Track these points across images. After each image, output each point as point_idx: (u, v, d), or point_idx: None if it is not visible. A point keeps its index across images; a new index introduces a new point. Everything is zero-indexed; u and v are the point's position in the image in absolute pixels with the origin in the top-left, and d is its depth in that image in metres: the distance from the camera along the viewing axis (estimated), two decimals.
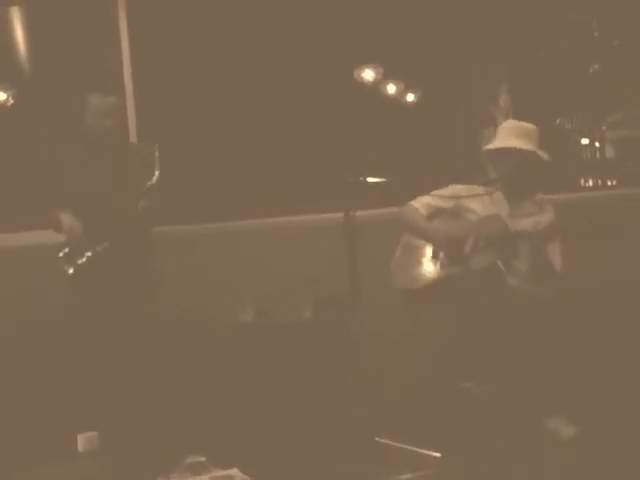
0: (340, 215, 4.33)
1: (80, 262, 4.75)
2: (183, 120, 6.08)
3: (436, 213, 4.79)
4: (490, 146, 4.77)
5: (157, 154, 4.77)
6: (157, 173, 4.76)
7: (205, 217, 5.75)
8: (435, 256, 4.71)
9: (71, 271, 4.77)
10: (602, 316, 5.11)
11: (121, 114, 4.96)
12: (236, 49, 6.57)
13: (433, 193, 4.76)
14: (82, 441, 4.62)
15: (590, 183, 7.85)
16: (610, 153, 7.97)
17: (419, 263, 4.73)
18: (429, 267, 4.69)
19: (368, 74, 7.22)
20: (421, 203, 4.81)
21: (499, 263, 4.47)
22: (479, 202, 4.69)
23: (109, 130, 4.89)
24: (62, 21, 6.11)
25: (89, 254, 4.74)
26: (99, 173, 4.88)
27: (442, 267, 4.64)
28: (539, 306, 4.35)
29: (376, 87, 7.29)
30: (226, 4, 6.49)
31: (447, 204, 4.77)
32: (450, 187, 4.77)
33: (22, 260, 5.41)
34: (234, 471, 3.95)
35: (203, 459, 4.07)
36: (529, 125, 4.77)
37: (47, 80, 6.14)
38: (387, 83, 7.33)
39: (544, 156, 4.63)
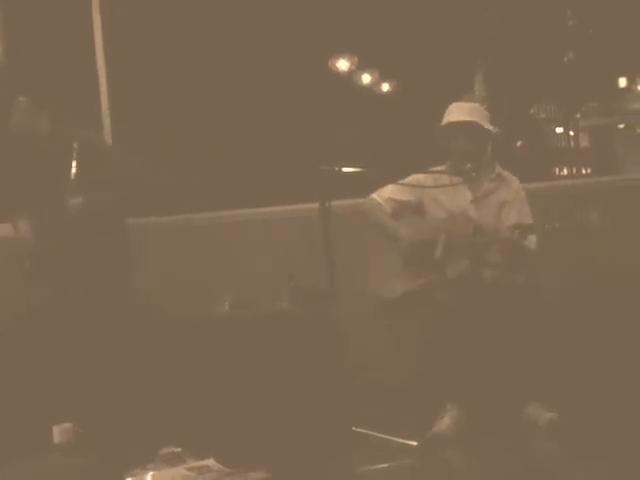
0: (315, 205, 4.32)
1: (35, 262, 4.76)
2: (156, 113, 6.05)
3: (400, 209, 4.78)
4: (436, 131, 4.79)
5: (75, 155, 4.74)
6: (73, 174, 4.73)
7: (181, 209, 5.73)
8: (407, 264, 4.68)
9: (29, 269, 4.79)
10: (580, 304, 5.13)
11: (33, 120, 4.92)
12: (210, 40, 6.55)
13: (395, 183, 4.76)
14: (57, 433, 4.60)
15: (565, 171, 7.90)
16: (584, 142, 8.01)
17: (392, 273, 4.70)
18: (402, 277, 4.67)
19: (343, 64, 7.22)
20: (384, 198, 4.80)
21: (472, 267, 4.49)
22: (443, 192, 4.70)
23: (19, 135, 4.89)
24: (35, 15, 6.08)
25: (42, 254, 4.75)
26: (31, 173, 4.88)
27: (416, 277, 4.63)
28: (516, 295, 4.37)
29: (351, 77, 7.30)
30: None
31: (410, 196, 4.77)
32: (412, 177, 4.78)
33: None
34: (210, 461, 3.95)
35: (179, 450, 4.06)
36: (471, 103, 4.83)
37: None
38: (362, 73, 7.34)
39: (488, 126, 4.66)
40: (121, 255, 4.97)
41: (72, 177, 4.72)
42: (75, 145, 4.73)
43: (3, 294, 5.09)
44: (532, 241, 4.52)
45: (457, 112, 4.73)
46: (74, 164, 4.71)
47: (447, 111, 4.79)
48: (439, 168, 4.76)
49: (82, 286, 4.78)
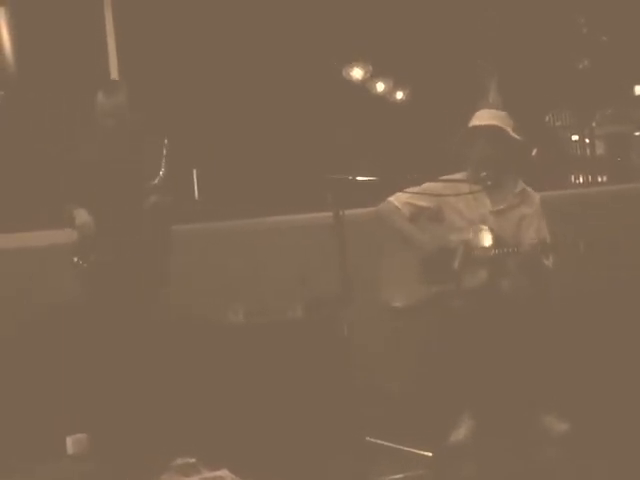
0: (329, 214, 4.31)
1: (92, 260, 4.74)
2: (172, 118, 6.05)
3: (418, 213, 4.74)
4: (459, 134, 4.77)
5: (165, 151, 4.73)
6: (162, 171, 4.72)
7: (193, 217, 5.72)
8: (424, 271, 4.65)
9: (84, 266, 4.76)
10: (595, 315, 5.11)
11: (125, 112, 4.90)
12: (225, 48, 6.56)
13: (411, 190, 4.73)
14: (71, 443, 4.61)
15: (580, 179, 7.87)
16: (600, 149, 7.99)
17: (408, 279, 4.67)
18: (419, 284, 4.64)
19: (357, 72, 7.22)
20: (401, 202, 4.74)
21: (490, 278, 4.46)
22: (463, 201, 4.66)
23: (112, 129, 4.86)
24: (49, 20, 6.09)
25: (101, 255, 4.73)
26: (110, 170, 4.86)
27: (432, 284, 4.60)
28: (532, 306, 4.34)
29: (365, 85, 7.29)
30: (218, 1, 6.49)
31: (429, 203, 4.72)
32: (430, 184, 4.72)
33: (24, 260, 5.41)
34: (224, 472, 3.94)
35: (193, 460, 4.06)
36: (496, 110, 4.80)
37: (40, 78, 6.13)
38: (376, 81, 7.34)
39: (512, 133, 4.62)
40: (167, 265, 4.96)
41: (161, 177, 4.72)
42: (165, 141, 4.74)
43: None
44: (550, 260, 4.49)
45: (480, 117, 4.72)
46: (163, 165, 4.73)
47: (471, 120, 4.78)
48: (458, 176, 4.72)
49: (126, 289, 4.77)
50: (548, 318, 4.33)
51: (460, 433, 4.37)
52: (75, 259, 4.75)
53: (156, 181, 4.71)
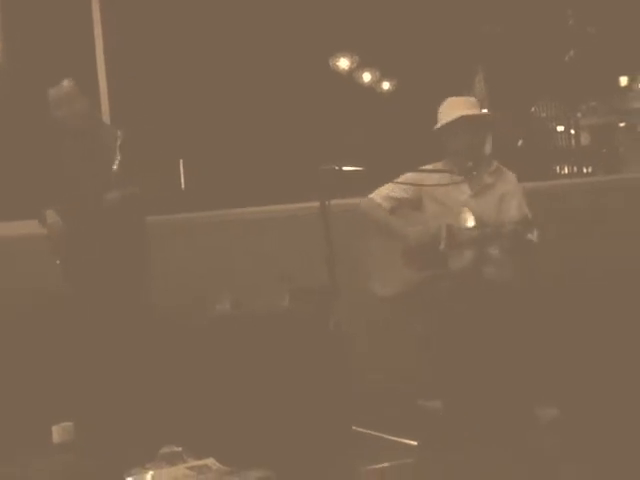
0: (316, 204, 4.32)
1: (66, 255, 4.76)
2: (155, 112, 6.05)
3: (399, 205, 4.78)
4: (439, 124, 4.75)
5: (119, 141, 4.72)
6: (117, 162, 4.71)
7: (179, 208, 5.72)
8: (412, 258, 4.67)
9: (59, 263, 4.79)
10: (579, 304, 5.13)
11: (76, 101, 4.89)
12: (211, 38, 6.55)
13: (393, 182, 4.74)
14: (57, 432, 4.60)
15: (565, 170, 7.89)
16: (585, 140, 8.00)
17: (395, 268, 4.70)
18: (407, 272, 4.67)
19: (343, 62, 7.22)
20: (381, 196, 4.79)
21: (475, 261, 4.48)
22: (442, 189, 4.68)
23: (62, 119, 4.87)
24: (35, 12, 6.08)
25: (73, 253, 4.74)
26: (72, 164, 4.87)
27: (421, 270, 4.61)
28: (516, 293, 4.36)
29: (351, 75, 7.29)
30: None
31: (408, 194, 4.75)
32: (409, 175, 4.71)
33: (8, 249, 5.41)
34: (210, 461, 3.95)
35: (179, 449, 4.07)
36: (465, 97, 4.86)
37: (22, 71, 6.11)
38: (363, 71, 7.34)
39: (487, 112, 4.67)
40: (143, 254, 4.95)
41: (115, 169, 4.71)
42: (119, 133, 4.73)
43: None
44: (535, 235, 4.49)
45: (462, 107, 4.72)
46: (118, 156, 4.71)
47: (446, 108, 4.76)
48: (437, 165, 4.74)
49: (103, 283, 4.78)
50: (534, 295, 4.35)
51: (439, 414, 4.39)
52: (58, 262, 4.80)
53: (113, 168, 4.70)
